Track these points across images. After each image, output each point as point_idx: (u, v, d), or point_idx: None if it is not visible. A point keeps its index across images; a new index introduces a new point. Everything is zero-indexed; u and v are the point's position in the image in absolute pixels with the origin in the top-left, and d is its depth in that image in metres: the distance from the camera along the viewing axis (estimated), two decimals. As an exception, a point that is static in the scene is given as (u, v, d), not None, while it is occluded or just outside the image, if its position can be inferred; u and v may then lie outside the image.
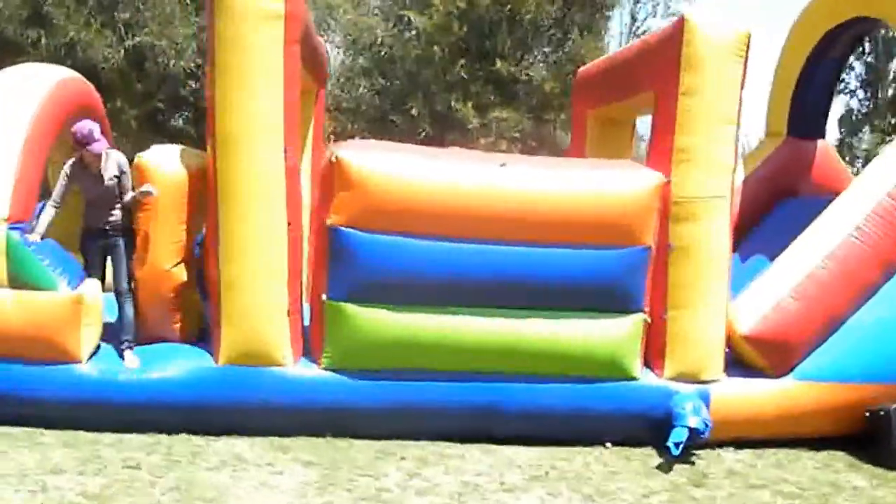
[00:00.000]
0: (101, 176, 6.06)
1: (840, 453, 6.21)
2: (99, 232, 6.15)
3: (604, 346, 6.01)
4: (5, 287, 5.71)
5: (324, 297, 5.84)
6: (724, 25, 5.96)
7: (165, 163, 6.19)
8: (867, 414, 6.11)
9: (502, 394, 6.00)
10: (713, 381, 6.14)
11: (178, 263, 6.22)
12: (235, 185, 5.76)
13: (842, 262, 6.14)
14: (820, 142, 7.79)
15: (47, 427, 5.80)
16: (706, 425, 5.82)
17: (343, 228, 5.73)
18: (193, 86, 10.13)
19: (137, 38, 9.00)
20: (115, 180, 6.08)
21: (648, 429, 6.13)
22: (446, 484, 5.28)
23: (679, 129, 5.99)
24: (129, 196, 6.11)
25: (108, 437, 5.75)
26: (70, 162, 6.09)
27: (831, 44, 7.42)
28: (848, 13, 7.15)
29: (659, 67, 6.19)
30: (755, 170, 7.78)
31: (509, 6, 9.36)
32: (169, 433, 5.84)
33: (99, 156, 6.00)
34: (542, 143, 9.95)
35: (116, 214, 6.14)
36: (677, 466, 5.81)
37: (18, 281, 5.71)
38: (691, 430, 5.79)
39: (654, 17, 10.68)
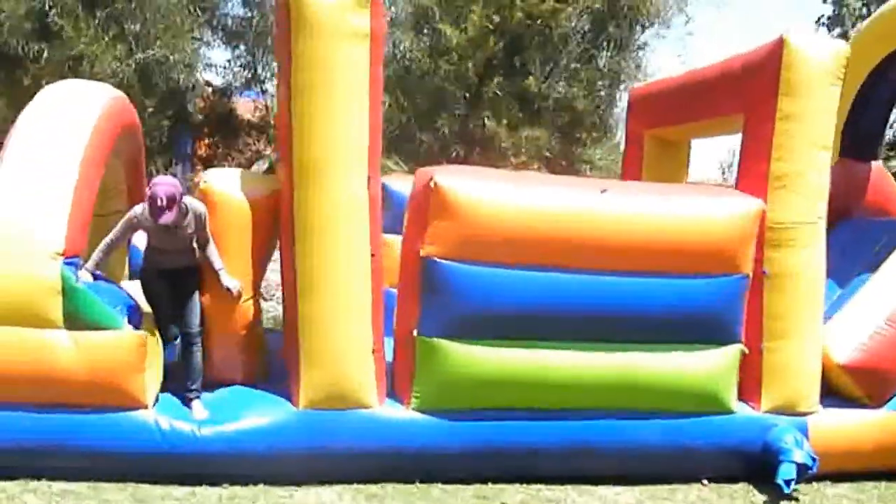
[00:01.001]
0: (180, 233, 5.58)
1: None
2: (168, 273, 5.69)
3: (702, 378, 5.81)
4: (61, 328, 5.28)
5: (414, 332, 5.59)
6: (823, 46, 5.84)
7: (232, 188, 5.78)
8: (965, 444, 6.13)
9: (597, 431, 5.73)
10: (810, 412, 6.06)
11: (249, 299, 5.88)
12: (316, 215, 5.36)
13: (938, 289, 6.15)
14: (874, 163, 7.83)
15: (107, 480, 5.35)
16: (813, 460, 5.71)
17: (439, 259, 5.42)
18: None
19: (151, 51, 8.50)
20: (194, 234, 5.64)
21: (744, 464, 5.97)
22: None
23: (776, 155, 5.84)
24: (213, 261, 5.62)
25: (178, 491, 5.28)
26: (141, 212, 5.49)
27: (893, 64, 7.46)
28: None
29: (752, 90, 6.02)
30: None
31: (540, 20, 9.18)
32: (244, 485, 5.39)
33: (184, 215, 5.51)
34: (571, 163, 9.81)
35: (188, 258, 5.69)
36: (782, 503, 5.73)
37: (76, 321, 5.19)
38: (799, 465, 5.70)
39: (652, 28, 10.59)
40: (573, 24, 9.67)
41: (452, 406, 5.61)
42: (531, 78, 9.64)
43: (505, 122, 9.46)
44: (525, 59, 9.62)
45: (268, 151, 11.09)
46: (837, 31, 18.70)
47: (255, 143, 11.33)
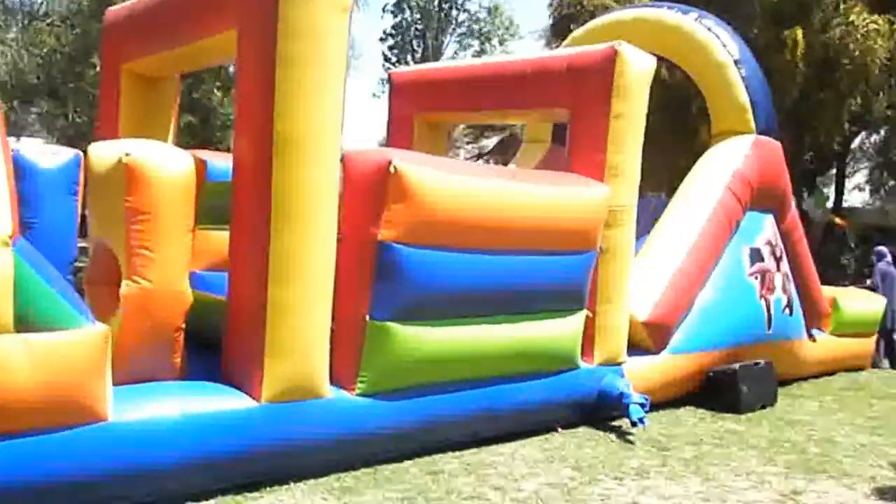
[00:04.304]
0: None
1: (692, 408, 8.22)
2: None
3: (565, 341, 6.95)
4: (12, 332, 4.30)
5: (367, 317, 5.70)
6: (643, 58, 7.29)
7: (162, 162, 5.23)
8: (710, 374, 8.29)
9: (500, 395, 6.54)
10: (623, 362, 7.61)
11: (184, 285, 5.36)
12: (299, 194, 5.22)
13: (696, 255, 8.14)
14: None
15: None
16: (645, 399, 7.27)
17: (395, 244, 5.64)
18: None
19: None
20: None
21: (582, 411, 7.30)
22: (526, 487, 5.73)
23: (611, 148, 7.16)
24: None
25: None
26: None
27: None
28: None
29: (583, 90, 7.27)
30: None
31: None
32: (208, 498, 5.07)
33: None
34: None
35: None
36: (627, 437, 7.08)
37: (28, 321, 4.32)
38: (641, 404, 7.18)
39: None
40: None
41: (392, 387, 5.89)
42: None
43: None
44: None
45: None
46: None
47: None
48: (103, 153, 5.29)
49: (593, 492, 5.70)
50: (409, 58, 39.05)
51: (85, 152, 6.57)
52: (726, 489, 5.92)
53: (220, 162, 7.07)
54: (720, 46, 9.24)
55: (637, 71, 7.27)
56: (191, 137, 10.30)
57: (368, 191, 5.69)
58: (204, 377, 5.46)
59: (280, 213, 5.22)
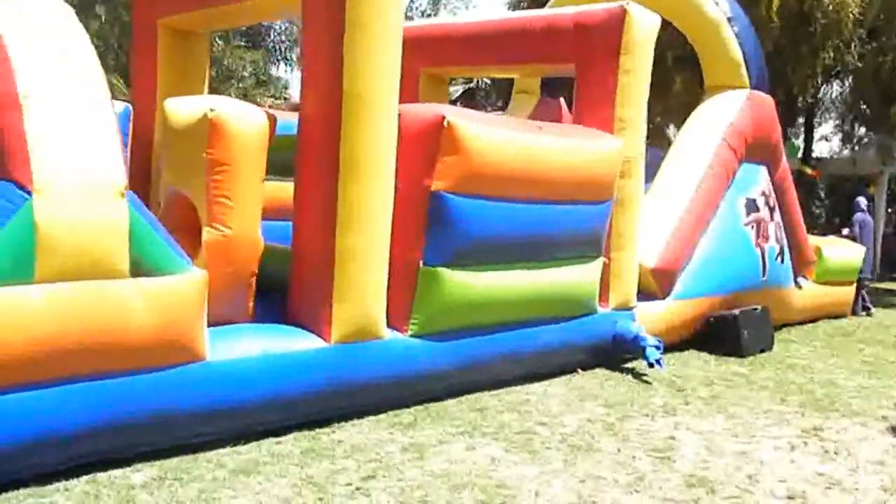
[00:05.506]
0: None
1: (695, 352, 9.45)
2: None
3: (586, 286, 8.05)
4: (128, 278, 5.14)
5: (420, 263, 6.66)
6: (649, 16, 8.36)
7: (242, 117, 6.14)
8: (711, 319, 9.51)
9: (527, 338, 7.61)
10: (634, 307, 8.76)
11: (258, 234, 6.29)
12: (362, 149, 6.13)
13: (697, 205, 9.33)
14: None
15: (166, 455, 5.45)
16: (659, 341, 8.43)
17: (447, 194, 6.62)
18: None
19: None
20: None
21: (599, 353, 8.46)
22: (568, 423, 6.76)
23: (620, 102, 8.26)
24: None
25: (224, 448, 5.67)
26: None
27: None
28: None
29: (590, 47, 8.33)
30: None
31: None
32: (286, 433, 5.99)
33: None
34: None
35: None
36: (644, 377, 8.23)
37: (140, 267, 5.14)
38: (656, 347, 8.34)
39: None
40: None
41: (441, 329, 6.89)
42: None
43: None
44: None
45: None
46: None
47: None
48: (182, 108, 6.16)
49: (631, 427, 6.70)
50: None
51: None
52: (751, 425, 6.91)
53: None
54: (713, 4, 10.42)
55: (644, 29, 8.35)
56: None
57: (422, 144, 6.62)
58: (265, 319, 6.38)
59: (347, 165, 6.13)
